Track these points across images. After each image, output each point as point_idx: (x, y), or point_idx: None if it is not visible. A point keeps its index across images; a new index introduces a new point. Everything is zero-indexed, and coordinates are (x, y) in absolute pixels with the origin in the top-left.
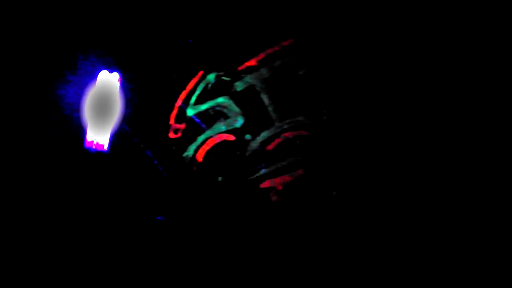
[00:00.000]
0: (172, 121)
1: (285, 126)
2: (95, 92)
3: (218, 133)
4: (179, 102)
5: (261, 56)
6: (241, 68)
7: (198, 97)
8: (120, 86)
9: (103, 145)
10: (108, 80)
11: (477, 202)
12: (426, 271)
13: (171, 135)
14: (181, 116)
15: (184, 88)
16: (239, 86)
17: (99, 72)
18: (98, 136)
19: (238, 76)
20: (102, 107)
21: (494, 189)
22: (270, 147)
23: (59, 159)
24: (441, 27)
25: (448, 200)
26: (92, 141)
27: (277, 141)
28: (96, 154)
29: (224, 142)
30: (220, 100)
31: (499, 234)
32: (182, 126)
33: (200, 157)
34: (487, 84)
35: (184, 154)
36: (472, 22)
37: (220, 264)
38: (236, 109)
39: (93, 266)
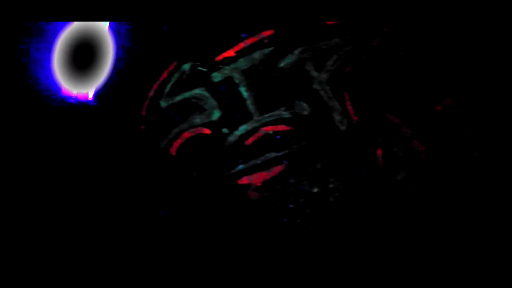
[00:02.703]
0: (144, 112)
1: (265, 120)
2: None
3: (193, 126)
4: (151, 93)
5: (240, 46)
6: (218, 58)
7: (172, 87)
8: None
9: (86, 95)
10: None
11: (472, 201)
12: (418, 271)
13: (143, 127)
14: (154, 107)
15: (158, 78)
16: (216, 77)
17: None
18: (81, 85)
19: (215, 67)
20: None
21: (492, 188)
22: (248, 141)
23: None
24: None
25: (437, 198)
26: (71, 91)
27: (256, 135)
28: (78, 104)
29: (200, 135)
30: (196, 91)
31: (492, 235)
32: (155, 118)
33: (174, 150)
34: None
35: (157, 147)
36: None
37: (194, 262)
38: (212, 101)
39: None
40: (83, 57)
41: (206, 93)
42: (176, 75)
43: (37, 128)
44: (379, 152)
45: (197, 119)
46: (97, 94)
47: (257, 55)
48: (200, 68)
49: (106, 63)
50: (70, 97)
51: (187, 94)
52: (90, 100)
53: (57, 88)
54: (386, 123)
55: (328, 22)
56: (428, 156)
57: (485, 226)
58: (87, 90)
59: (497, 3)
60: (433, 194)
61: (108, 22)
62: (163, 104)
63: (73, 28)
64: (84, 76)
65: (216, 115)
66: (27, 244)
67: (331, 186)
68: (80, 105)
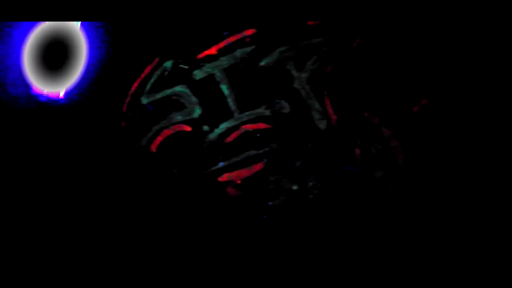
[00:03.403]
0: (124, 109)
1: (245, 118)
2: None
3: (173, 123)
4: (132, 89)
5: (222, 44)
6: (200, 56)
7: (153, 85)
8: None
9: (57, 93)
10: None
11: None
12: (413, 271)
13: (123, 123)
14: (135, 104)
15: (139, 75)
16: (197, 75)
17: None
18: (52, 84)
19: (197, 65)
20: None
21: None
22: (229, 139)
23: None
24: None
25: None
26: (42, 89)
27: (236, 133)
28: (48, 103)
29: (180, 132)
30: (177, 89)
31: (487, 236)
32: (135, 114)
33: (154, 147)
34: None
35: (137, 144)
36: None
37: (174, 260)
38: (193, 98)
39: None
40: (54, 55)
41: (187, 91)
42: (158, 72)
43: (9, 128)
44: (357, 151)
45: (178, 116)
46: (72, 92)
47: (238, 53)
48: (181, 65)
49: (80, 61)
50: (41, 95)
51: (168, 91)
52: (61, 98)
53: (27, 87)
54: (365, 123)
55: (309, 22)
56: (405, 155)
57: (464, 224)
58: (59, 89)
59: (474, 3)
60: (410, 193)
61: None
62: (144, 101)
63: (44, 26)
64: (55, 74)
65: (197, 112)
66: (9, 242)
67: (310, 184)
68: (52, 103)
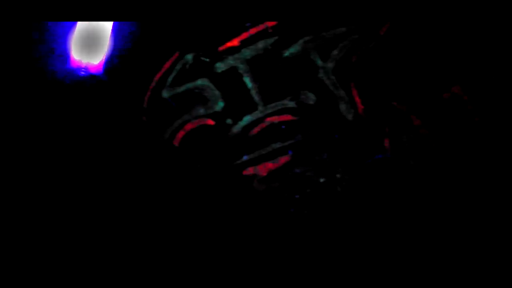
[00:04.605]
0: (145, 104)
1: (270, 110)
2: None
3: (196, 117)
4: (153, 84)
5: (244, 36)
6: (222, 48)
7: (174, 78)
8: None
9: (96, 67)
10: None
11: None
12: (423, 270)
13: (145, 118)
14: (156, 98)
15: (160, 69)
16: (219, 67)
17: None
18: (90, 56)
19: (219, 57)
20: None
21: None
22: (253, 132)
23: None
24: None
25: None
26: (81, 62)
27: (260, 126)
28: (87, 77)
29: (203, 126)
30: (199, 82)
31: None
32: (157, 109)
33: (177, 142)
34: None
35: (159, 139)
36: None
37: (199, 256)
38: (216, 92)
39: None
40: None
41: (209, 84)
42: (179, 65)
43: (44, 103)
44: (386, 141)
45: (200, 110)
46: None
47: (261, 44)
48: (203, 58)
49: (107, 51)
50: (80, 69)
51: (189, 85)
52: (100, 73)
53: (66, 60)
54: (394, 112)
55: (332, 12)
56: (437, 144)
57: (495, 218)
58: (98, 62)
59: None
60: (442, 184)
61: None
62: (165, 95)
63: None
64: (92, 52)
65: (220, 105)
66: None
67: (338, 176)
68: (90, 79)
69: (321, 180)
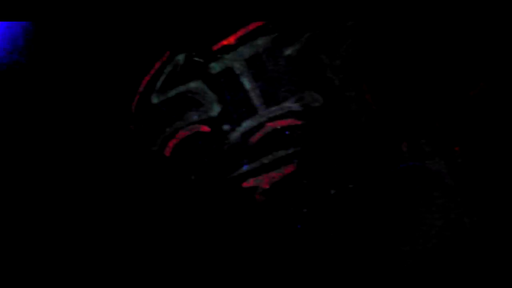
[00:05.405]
0: (133, 110)
1: (271, 115)
2: None
3: (189, 124)
4: (141, 88)
5: (241, 33)
6: (216, 47)
7: (164, 81)
8: None
9: None
10: None
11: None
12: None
13: (133, 126)
14: (145, 104)
15: (148, 72)
16: (214, 68)
17: None
18: None
19: (213, 57)
20: None
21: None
22: (253, 139)
23: None
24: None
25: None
26: None
27: (261, 131)
28: None
29: (197, 133)
30: (192, 84)
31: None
32: (146, 115)
33: (168, 152)
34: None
35: (149, 149)
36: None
37: (196, 278)
38: (211, 95)
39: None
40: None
41: (203, 86)
42: (169, 67)
43: None
44: (404, 145)
45: (194, 116)
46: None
47: (260, 41)
48: (196, 58)
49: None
50: None
51: (181, 88)
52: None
53: None
54: (411, 113)
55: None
56: (463, 146)
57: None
58: None
59: None
60: (472, 189)
61: None
62: (155, 100)
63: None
64: None
65: (216, 110)
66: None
67: (350, 186)
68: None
69: (332, 191)
